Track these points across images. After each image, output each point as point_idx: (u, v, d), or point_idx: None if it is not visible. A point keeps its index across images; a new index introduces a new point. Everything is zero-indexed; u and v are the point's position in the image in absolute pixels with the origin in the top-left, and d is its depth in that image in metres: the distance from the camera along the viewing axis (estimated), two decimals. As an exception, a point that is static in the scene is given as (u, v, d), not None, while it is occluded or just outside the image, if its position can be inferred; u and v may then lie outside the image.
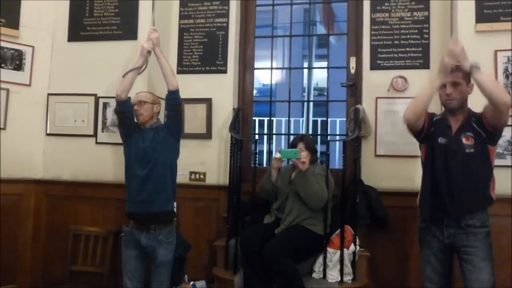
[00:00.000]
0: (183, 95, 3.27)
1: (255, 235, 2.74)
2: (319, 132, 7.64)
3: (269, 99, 3.79)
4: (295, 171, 2.86)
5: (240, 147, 3.10)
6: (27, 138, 3.38)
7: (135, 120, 2.60)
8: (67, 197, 3.33)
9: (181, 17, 3.61)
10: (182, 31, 3.60)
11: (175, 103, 2.55)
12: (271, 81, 3.89)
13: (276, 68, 3.94)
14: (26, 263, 3.30)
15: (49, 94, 3.47)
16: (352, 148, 2.99)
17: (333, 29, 5.35)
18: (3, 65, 3.29)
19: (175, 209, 2.70)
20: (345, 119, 3.40)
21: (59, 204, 3.34)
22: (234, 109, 3.41)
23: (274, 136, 6.37)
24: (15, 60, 3.35)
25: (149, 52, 2.64)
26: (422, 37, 3.20)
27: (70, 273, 3.10)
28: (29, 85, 3.41)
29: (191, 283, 3.04)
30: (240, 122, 3.43)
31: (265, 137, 6.61)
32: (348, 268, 2.72)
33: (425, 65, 3.16)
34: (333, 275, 2.71)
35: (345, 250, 2.70)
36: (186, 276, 3.06)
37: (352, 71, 3.39)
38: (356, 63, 3.38)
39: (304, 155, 2.72)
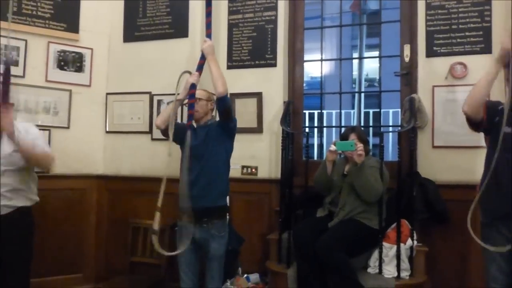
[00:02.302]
0: (233, 90, 3.33)
1: (308, 229, 2.72)
2: (370, 124, 7.44)
3: (319, 92, 3.74)
4: (349, 164, 2.81)
5: (291, 140, 3.09)
6: (89, 136, 3.57)
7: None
8: (126, 192, 3.49)
9: (230, 12, 3.64)
10: (231, 26, 3.63)
11: (223, 108, 2.53)
12: (321, 73, 3.83)
13: (326, 60, 3.84)
14: (90, 254, 3.50)
15: (107, 94, 3.63)
16: (408, 139, 2.87)
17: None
18: (65, 67, 3.49)
19: (228, 204, 2.74)
20: (398, 109, 3.28)
21: (119, 198, 3.51)
22: (284, 102, 3.39)
23: (324, 129, 6.30)
24: (76, 63, 3.54)
25: (193, 85, 2.59)
26: (483, 19, 3.01)
27: (130, 264, 3.24)
28: (89, 85, 3.59)
29: (245, 276, 3.09)
30: (291, 115, 3.41)
31: (316, 130, 6.55)
32: (405, 264, 2.64)
33: (487, 50, 2.97)
34: (390, 271, 2.63)
35: (401, 245, 2.62)
36: (239, 269, 3.11)
37: (406, 59, 3.26)
38: (410, 50, 3.24)
39: (361, 147, 2.64)
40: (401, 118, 3.19)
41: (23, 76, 3.29)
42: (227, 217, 2.71)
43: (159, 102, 3.45)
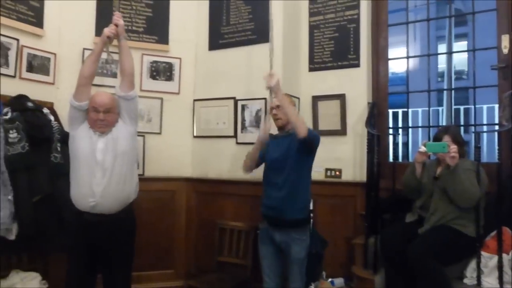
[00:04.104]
0: (315, 92, 3.33)
1: (397, 234, 2.61)
2: (461, 122, 6.84)
3: (404, 90, 3.57)
4: (441, 166, 2.64)
5: (377, 142, 2.99)
6: (178, 141, 3.77)
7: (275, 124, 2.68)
8: (213, 194, 3.63)
9: (311, 14, 3.63)
10: (312, 28, 3.62)
11: (307, 144, 2.48)
12: (407, 70, 3.66)
13: (413, 57, 3.65)
14: (181, 252, 3.69)
15: (194, 100, 3.82)
16: (509, 139, 2.62)
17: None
18: (157, 77, 3.75)
19: (310, 207, 2.73)
20: (492, 105, 3.01)
21: (206, 200, 3.66)
22: (369, 103, 3.30)
23: (410, 129, 5.98)
24: (167, 72, 3.78)
25: (270, 92, 2.61)
26: None
27: (218, 263, 3.37)
28: (178, 93, 3.81)
29: (329, 280, 3.05)
30: (376, 116, 3.31)
31: (401, 130, 6.24)
32: (508, 276, 2.41)
33: None
34: (490, 283, 2.42)
35: (504, 255, 2.40)
36: (324, 272, 3.08)
37: (505, 50, 2.99)
38: (509, 41, 2.96)
39: (455, 149, 2.47)
40: (500, 116, 2.92)
41: (121, 87, 3.59)
42: (309, 221, 2.70)
43: (243, 107, 3.55)
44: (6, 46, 3.06)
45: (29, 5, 3.23)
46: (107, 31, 2.52)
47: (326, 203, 3.29)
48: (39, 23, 3.30)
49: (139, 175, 2.81)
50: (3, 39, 3.03)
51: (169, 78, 3.79)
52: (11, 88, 3.03)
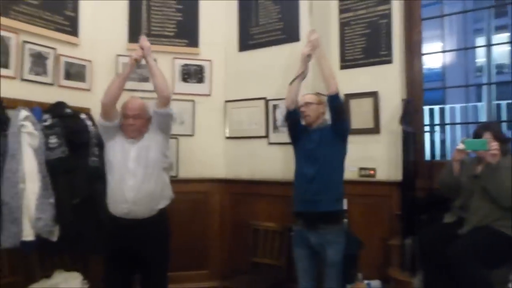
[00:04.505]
0: (347, 90, 3.26)
1: (436, 236, 2.53)
2: (503, 118, 6.49)
3: (440, 86, 3.46)
4: (481, 164, 2.54)
5: (412, 140, 2.91)
6: (211, 142, 3.81)
7: (302, 122, 2.68)
8: (246, 195, 3.64)
9: (341, 11, 3.57)
10: (342, 25, 3.56)
11: (335, 105, 2.53)
12: (443, 65, 3.54)
13: (449, 51, 3.53)
14: (215, 252, 3.72)
15: (226, 101, 3.84)
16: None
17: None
18: (188, 80, 3.80)
19: (344, 207, 2.69)
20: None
21: (240, 200, 3.67)
22: (403, 100, 3.21)
23: (447, 126, 5.78)
24: (197, 74, 3.82)
25: (309, 56, 2.68)
26: None
27: (252, 264, 3.37)
28: (209, 95, 3.84)
29: (366, 282, 2.99)
30: (411, 113, 3.21)
31: (438, 127, 6.04)
32: (559, 280, 2.29)
33: None
34: (537, 287, 2.31)
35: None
36: (359, 274, 3.02)
37: (550, 42, 2.83)
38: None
39: (495, 146, 2.36)
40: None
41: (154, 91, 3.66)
42: (344, 221, 2.66)
43: (275, 107, 3.54)
44: (44, 56, 3.18)
45: (65, 15, 3.35)
46: (134, 54, 2.61)
47: (360, 203, 3.23)
48: (74, 32, 3.41)
49: (173, 177, 2.86)
50: (41, 48, 3.16)
51: (200, 80, 3.83)
52: (50, 95, 3.15)
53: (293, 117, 2.69)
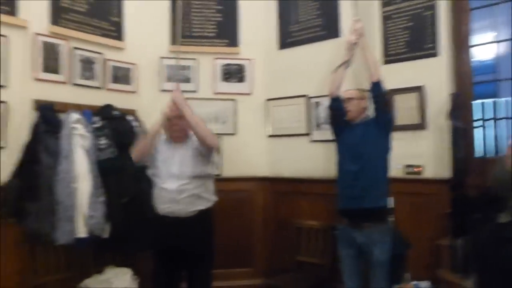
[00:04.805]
0: (391, 85, 3.16)
1: (491, 236, 2.41)
2: None
3: (491, 78, 3.29)
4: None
5: (461, 135, 2.79)
6: (253, 141, 3.84)
7: (345, 117, 2.65)
8: (289, 193, 3.64)
9: (383, 4, 3.47)
10: (385, 19, 3.46)
11: (378, 94, 2.51)
12: (494, 56, 3.36)
13: (501, 41, 3.34)
14: (259, 250, 3.75)
15: (267, 100, 3.85)
16: None
17: None
18: (229, 79, 3.84)
19: (390, 206, 2.63)
20: None
21: (282, 199, 3.68)
22: (450, 94, 3.08)
23: (499, 120, 5.47)
24: (238, 74, 3.85)
25: (354, 45, 2.66)
26: None
27: (296, 262, 3.37)
28: (250, 93, 3.87)
29: (414, 282, 2.90)
30: (459, 108, 3.08)
31: (489, 122, 5.73)
32: None
33: None
34: None
35: None
36: (407, 275, 2.94)
37: None
38: None
39: None
40: None
41: (196, 91, 3.73)
42: (390, 220, 2.60)
43: (316, 104, 3.51)
44: (92, 61, 3.32)
45: (111, 21, 3.48)
46: (168, 112, 2.55)
47: (406, 201, 3.12)
48: (119, 36, 3.54)
49: (216, 175, 2.91)
50: (89, 54, 3.30)
51: (241, 79, 3.86)
52: (99, 98, 3.29)
53: (337, 105, 2.67)
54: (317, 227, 3.33)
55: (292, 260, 3.38)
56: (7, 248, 2.71)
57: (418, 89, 3.19)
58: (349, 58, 2.69)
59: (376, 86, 2.52)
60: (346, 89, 2.71)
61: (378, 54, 3.43)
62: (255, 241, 3.75)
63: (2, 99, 2.79)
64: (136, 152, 2.61)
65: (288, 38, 3.76)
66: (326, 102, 3.36)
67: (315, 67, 3.51)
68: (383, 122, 2.53)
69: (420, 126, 3.18)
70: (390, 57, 3.39)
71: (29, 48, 2.97)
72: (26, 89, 2.94)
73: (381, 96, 2.53)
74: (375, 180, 2.49)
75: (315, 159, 3.50)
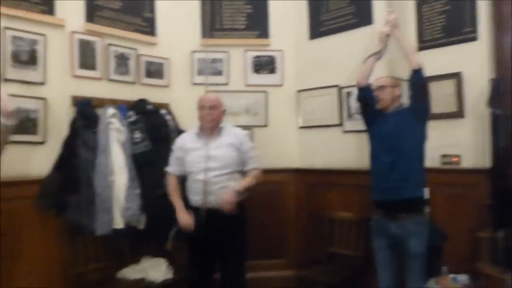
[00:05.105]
0: (426, 72, 3.03)
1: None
2: None
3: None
4: None
5: (502, 123, 2.66)
6: (284, 132, 3.83)
7: (377, 106, 2.58)
8: (321, 184, 3.61)
9: (418, -11, 3.35)
10: (419, 4, 3.33)
11: (419, 82, 2.43)
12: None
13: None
14: (291, 242, 3.74)
15: (298, 91, 3.82)
16: None
17: None
18: (260, 71, 3.83)
19: (426, 197, 2.55)
20: None
21: (314, 190, 3.65)
22: (491, 80, 2.94)
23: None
24: (269, 65, 3.84)
25: (387, 36, 2.59)
26: None
27: (328, 254, 3.34)
28: (281, 85, 3.85)
29: (451, 276, 2.81)
30: (500, 94, 2.92)
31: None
32: None
33: None
34: None
35: None
36: (444, 268, 2.85)
37: None
38: None
39: None
40: None
41: (227, 84, 3.75)
42: (426, 211, 2.52)
43: (348, 94, 3.44)
44: (127, 56, 3.41)
45: (143, 17, 3.55)
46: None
47: (443, 192, 3.02)
48: (152, 32, 3.60)
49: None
50: (124, 50, 3.39)
51: (272, 71, 3.85)
52: (133, 93, 3.38)
53: (365, 95, 2.61)
54: (350, 218, 3.29)
55: (325, 251, 3.36)
56: (50, 239, 2.86)
57: (455, 75, 3.07)
58: (381, 49, 2.62)
59: (416, 74, 2.45)
60: (378, 77, 2.64)
61: (413, 40, 3.31)
62: (287, 233, 3.75)
63: (42, 96, 2.92)
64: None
65: (319, 28, 3.70)
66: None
67: (346, 56, 3.44)
68: (419, 112, 2.45)
69: (457, 114, 3.06)
70: (426, 43, 3.26)
71: (66, 46, 3.09)
72: (65, 86, 3.06)
73: (420, 85, 2.44)
74: (410, 171, 2.41)
75: (348, 150, 3.44)
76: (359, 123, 3.26)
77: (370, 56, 2.62)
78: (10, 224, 2.55)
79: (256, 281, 3.15)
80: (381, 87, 2.54)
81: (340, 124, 3.54)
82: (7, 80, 2.77)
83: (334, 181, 3.50)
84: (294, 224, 3.76)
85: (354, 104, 3.39)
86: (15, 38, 2.82)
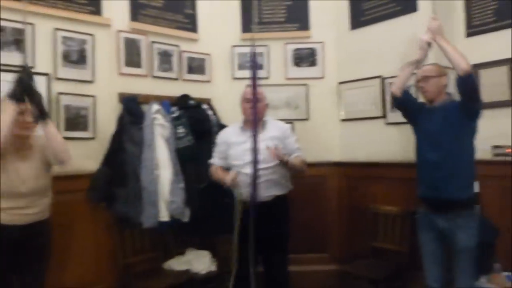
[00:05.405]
0: (475, 60, 2.89)
1: None
2: None
3: None
4: None
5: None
6: (325, 125, 3.78)
7: (420, 99, 2.48)
8: (363, 178, 3.53)
9: (467, -29, 3.19)
10: (468, -13, 3.18)
11: (468, 87, 2.24)
12: None
13: None
14: (334, 236, 3.70)
15: (339, 83, 3.76)
16: None
17: None
18: (300, 64, 3.80)
19: (476, 190, 2.43)
20: None
21: (357, 184, 3.58)
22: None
23: None
24: (310, 58, 3.80)
25: (429, 44, 2.44)
26: None
27: (372, 248, 3.28)
28: (322, 77, 3.80)
29: (505, 273, 2.67)
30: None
31: None
32: None
33: None
34: None
35: None
36: (497, 265, 2.72)
37: None
38: None
39: None
40: None
41: (268, 77, 3.76)
42: (476, 206, 2.41)
43: (391, 85, 3.33)
44: (170, 53, 3.49)
45: (185, 14, 3.62)
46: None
47: (494, 185, 2.87)
48: (194, 28, 3.66)
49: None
50: (167, 47, 3.47)
51: (313, 63, 3.80)
52: (176, 89, 3.46)
53: (402, 101, 2.53)
54: (394, 212, 3.20)
55: (368, 246, 3.29)
56: (99, 231, 3.00)
57: (508, 61, 2.90)
58: (420, 58, 2.47)
59: (464, 80, 2.23)
60: (423, 65, 2.52)
61: (460, 26, 3.18)
62: (329, 227, 3.71)
63: (91, 94, 3.05)
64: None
65: (360, 17, 3.61)
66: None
67: (390, 46, 3.34)
68: (469, 110, 2.29)
69: (510, 102, 2.90)
70: (475, 29, 3.11)
71: (113, 45, 3.21)
72: (112, 83, 3.18)
73: (472, 89, 2.26)
74: (458, 170, 2.28)
75: (391, 142, 3.35)
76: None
77: (408, 64, 2.50)
78: (63, 216, 2.67)
79: (298, 275, 3.16)
80: (426, 78, 2.39)
81: (383, 116, 3.45)
82: (59, 79, 2.92)
83: (378, 174, 3.42)
84: (336, 218, 3.71)
85: (398, 95, 3.29)
86: (65, 38, 2.96)
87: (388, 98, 3.37)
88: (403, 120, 3.09)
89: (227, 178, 2.60)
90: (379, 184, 3.39)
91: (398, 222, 3.17)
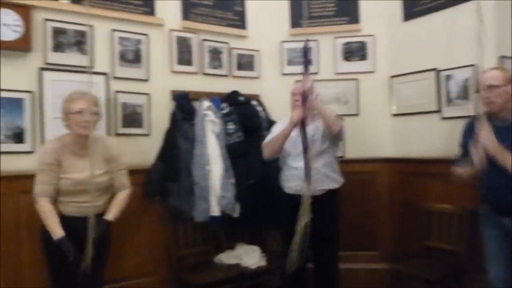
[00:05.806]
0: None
1: None
2: None
3: None
4: None
5: None
6: (376, 121, 3.69)
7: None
8: (417, 174, 3.42)
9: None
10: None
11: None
12: None
13: None
14: (385, 234, 3.61)
15: (391, 77, 3.65)
16: None
17: None
18: (350, 58, 3.73)
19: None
20: None
21: (410, 180, 3.47)
22: None
23: None
24: (360, 52, 3.72)
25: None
26: None
27: (425, 248, 3.17)
28: (373, 71, 3.71)
29: None
30: None
31: None
32: None
33: None
34: None
35: None
36: None
37: None
38: None
39: None
40: None
41: (317, 72, 3.72)
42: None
43: (447, 77, 3.21)
44: (219, 50, 3.54)
45: (234, 11, 3.66)
46: (295, 116, 2.48)
47: None
48: (243, 25, 3.70)
49: (339, 157, 2.91)
50: (217, 44, 3.53)
51: (363, 57, 3.72)
52: (225, 85, 3.52)
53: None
54: (450, 211, 3.08)
55: (421, 245, 3.18)
56: (154, 224, 3.11)
57: None
58: (474, 172, 2.22)
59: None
60: (486, 70, 2.26)
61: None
62: (380, 224, 3.63)
63: (146, 92, 3.17)
64: (267, 153, 2.72)
65: (413, 8, 3.48)
66: (458, 74, 3.09)
67: (445, 37, 3.19)
68: None
69: None
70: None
71: (166, 44, 3.31)
72: (165, 81, 3.28)
73: None
74: None
75: (447, 137, 3.20)
76: (459, 109, 3.08)
77: (463, 171, 2.34)
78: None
79: (348, 272, 3.12)
80: (492, 87, 2.16)
81: (438, 111, 3.31)
82: (116, 78, 3.05)
83: (432, 170, 3.29)
84: (388, 215, 3.62)
85: (454, 88, 3.16)
86: (122, 39, 3.09)
87: (444, 92, 3.23)
88: (460, 114, 2.97)
89: (292, 115, 2.51)
90: (433, 181, 3.26)
91: (455, 221, 3.04)
